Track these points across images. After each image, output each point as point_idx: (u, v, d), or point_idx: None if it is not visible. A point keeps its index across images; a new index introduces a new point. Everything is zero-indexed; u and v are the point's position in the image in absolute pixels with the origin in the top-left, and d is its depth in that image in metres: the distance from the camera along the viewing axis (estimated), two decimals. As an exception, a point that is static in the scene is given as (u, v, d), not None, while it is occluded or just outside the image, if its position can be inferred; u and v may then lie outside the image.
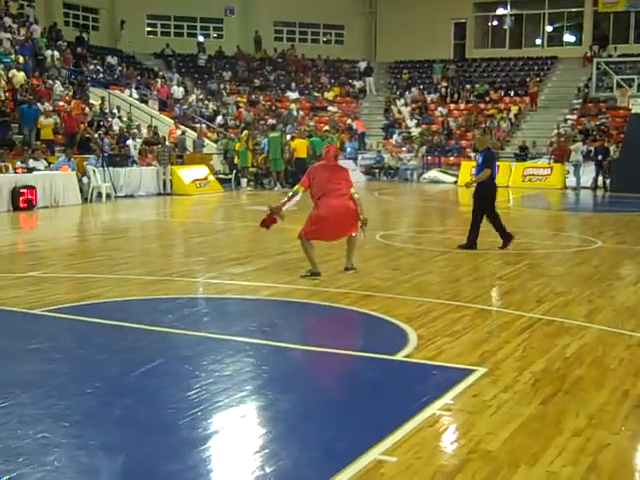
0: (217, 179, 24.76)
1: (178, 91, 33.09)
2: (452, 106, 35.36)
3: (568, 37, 39.40)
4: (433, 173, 29.56)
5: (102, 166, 20.72)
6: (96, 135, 23.55)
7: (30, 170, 18.50)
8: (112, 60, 33.41)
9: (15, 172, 18.13)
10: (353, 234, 9.57)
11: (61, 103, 25.09)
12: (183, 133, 27.51)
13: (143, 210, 19.53)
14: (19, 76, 24.64)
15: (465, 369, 5.74)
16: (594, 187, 25.88)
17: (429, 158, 31.00)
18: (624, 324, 7.25)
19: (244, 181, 25.48)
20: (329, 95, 37.17)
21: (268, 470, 4.00)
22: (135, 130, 25.45)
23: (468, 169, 28.05)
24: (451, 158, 31.17)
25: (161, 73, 35.23)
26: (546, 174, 26.99)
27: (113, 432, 4.53)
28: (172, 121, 28.78)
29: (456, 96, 35.96)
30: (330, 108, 36.00)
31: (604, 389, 5.34)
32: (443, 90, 36.26)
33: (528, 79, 35.49)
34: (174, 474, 3.98)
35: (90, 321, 7.24)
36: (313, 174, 9.54)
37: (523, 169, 27.64)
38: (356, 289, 8.72)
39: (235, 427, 4.71)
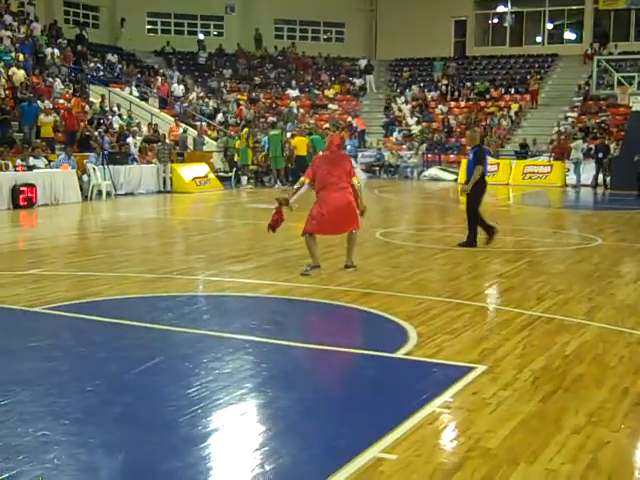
0: (217, 177, 24.74)
1: (178, 89, 33.08)
2: (452, 104, 35.34)
3: (569, 35, 39.36)
4: (433, 171, 29.56)
5: (102, 164, 20.71)
6: (96, 133, 23.54)
7: (30, 168, 18.50)
8: (112, 58, 33.38)
9: (15, 170, 18.12)
10: (353, 230, 9.58)
11: (61, 101, 25.07)
12: (185, 131, 27.50)
13: (143, 208, 19.53)
14: (19, 74, 24.63)
15: (465, 367, 5.74)
16: (594, 185, 25.87)
17: (429, 156, 30.99)
18: (624, 322, 7.25)
19: (244, 179, 25.47)
20: (329, 93, 37.16)
21: (268, 468, 4.01)
22: (135, 128, 25.43)
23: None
24: (451, 156, 31.15)
25: (161, 71, 35.20)
26: (546, 172, 26.98)
27: (113, 430, 4.53)
28: (172, 119, 28.77)
29: (456, 94, 35.94)
30: (330, 106, 36.00)
31: (604, 387, 5.35)
32: (443, 88, 36.24)
33: (528, 77, 35.47)
34: (174, 472, 3.98)
35: (90, 319, 7.25)
36: (316, 165, 9.61)
37: (523, 167, 27.64)
38: (356, 287, 8.72)
39: (235, 425, 4.72)
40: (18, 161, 18.56)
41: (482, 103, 34.61)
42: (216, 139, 29.22)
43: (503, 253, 11.59)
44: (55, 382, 5.42)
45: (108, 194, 20.54)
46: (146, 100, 30.48)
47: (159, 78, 33.56)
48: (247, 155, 25.22)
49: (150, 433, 4.51)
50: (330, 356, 6.33)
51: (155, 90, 32.11)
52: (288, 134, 27.22)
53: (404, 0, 38.09)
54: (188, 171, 23.40)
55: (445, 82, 36.48)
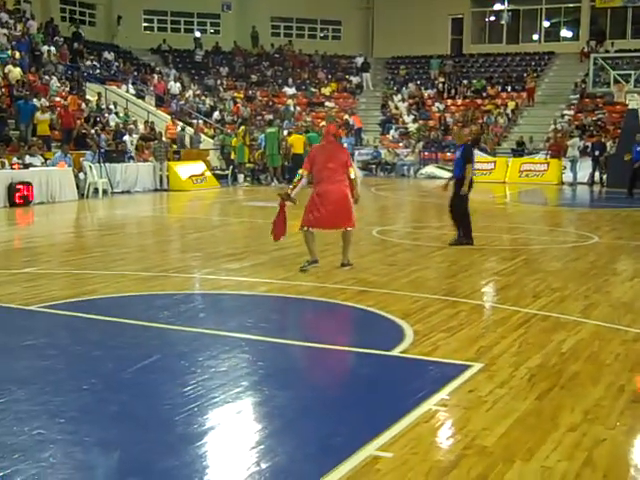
0: (214, 175, 24.72)
1: (175, 87, 33.02)
2: (449, 102, 35.36)
3: (565, 32, 39.39)
4: (430, 169, 29.55)
5: (99, 162, 20.70)
6: (93, 131, 23.49)
7: (26, 166, 18.47)
8: (109, 56, 33.32)
9: (11, 168, 18.09)
10: (349, 228, 9.58)
11: (58, 99, 25.02)
12: (183, 129, 27.48)
13: (139, 206, 19.52)
14: (15, 72, 24.59)
15: (461, 365, 5.74)
16: (591, 183, 25.87)
17: (426, 154, 30.99)
18: (620, 319, 7.25)
19: (241, 177, 25.46)
20: (326, 91, 37.13)
21: (264, 466, 4.01)
22: (132, 126, 25.39)
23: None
24: (448, 154, 31.08)
25: (158, 69, 35.15)
26: (543, 170, 27.01)
27: (109, 428, 4.52)
28: (169, 117, 28.74)
29: (453, 92, 35.95)
30: (327, 104, 35.98)
31: (600, 384, 5.35)
32: (440, 86, 36.25)
33: (525, 74, 35.49)
34: (170, 470, 3.98)
35: (86, 317, 7.25)
36: (313, 156, 9.62)
37: (520, 164, 27.67)
38: (352, 285, 8.72)
39: (231, 423, 4.71)
40: (14, 159, 18.52)
41: (479, 101, 34.62)
42: (213, 137, 29.19)
43: (499, 251, 11.60)
44: (51, 380, 5.41)
45: (104, 192, 20.51)
46: (143, 98, 30.45)
47: (155, 76, 33.51)
48: (244, 153, 25.21)
49: (146, 431, 4.51)
50: (326, 354, 6.33)
51: (152, 88, 32.06)
52: (285, 132, 27.20)
53: (401, -2, 38.13)
54: (185, 169, 23.38)
55: (442, 80, 36.49)
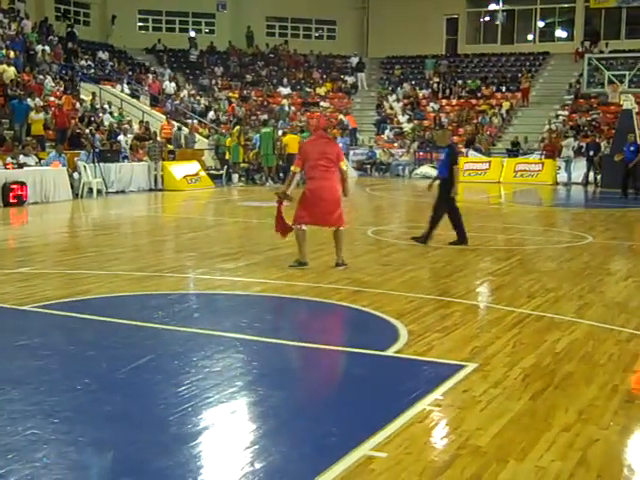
0: (208, 175, 24.70)
1: (170, 86, 33.00)
2: (444, 102, 35.39)
3: (560, 33, 39.47)
4: (425, 169, 29.55)
5: (93, 162, 20.65)
6: (87, 131, 23.46)
7: (20, 166, 18.42)
8: (103, 55, 33.28)
9: (5, 168, 18.03)
10: (340, 227, 9.60)
11: (52, 98, 24.97)
12: (179, 129, 27.46)
13: (134, 206, 19.50)
14: (10, 71, 24.53)
15: (455, 365, 5.75)
16: (585, 183, 25.93)
17: (421, 154, 31.00)
18: (614, 320, 7.27)
19: (235, 177, 25.44)
20: (321, 91, 37.14)
21: (258, 466, 4.00)
22: (126, 126, 25.37)
23: (460, 165, 28.09)
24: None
25: (152, 68, 35.12)
26: (537, 170, 27.05)
27: (103, 428, 4.52)
28: (164, 117, 28.70)
29: (448, 92, 35.99)
30: (322, 104, 35.98)
31: (593, 384, 5.36)
32: (435, 86, 36.28)
33: (520, 75, 35.54)
34: (164, 470, 3.97)
35: (80, 317, 7.23)
36: (304, 151, 9.64)
37: (515, 165, 27.70)
38: (347, 285, 8.72)
39: (225, 423, 4.71)
40: (8, 159, 18.47)
41: (473, 101, 34.67)
42: (207, 137, 29.15)
43: (494, 251, 11.62)
44: (44, 380, 5.40)
45: (99, 192, 20.47)
46: (137, 98, 30.41)
47: (150, 76, 33.48)
48: (238, 153, 25.20)
49: (140, 431, 4.50)
50: (321, 354, 6.33)
51: (146, 88, 32.02)
52: (279, 132, 27.19)
53: (396, -2, 38.17)
54: (179, 169, 23.35)
55: (437, 80, 36.51)
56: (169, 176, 22.86)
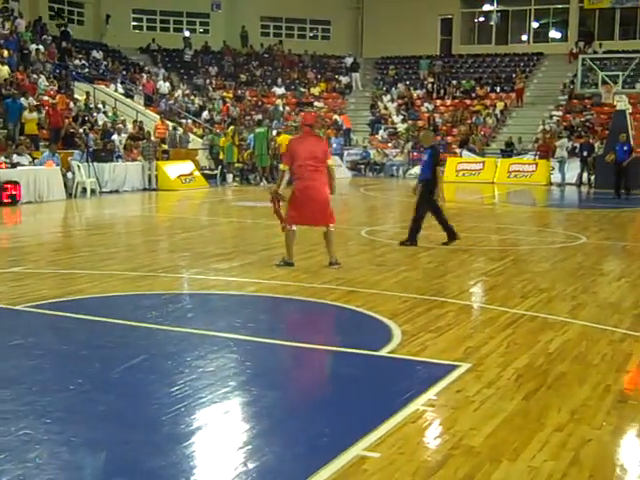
0: (203, 175, 24.68)
1: (164, 86, 32.94)
2: (438, 102, 35.42)
3: (554, 33, 39.55)
4: (419, 169, 29.55)
5: (87, 161, 20.62)
6: (81, 130, 23.42)
7: (14, 165, 18.39)
8: (97, 54, 33.22)
9: (-1, 167, 18.02)
10: (330, 227, 9.60)
11: (46, 98, 24.92)
12: (175, 128, 27.42)
13: (128, 205, 19.47)
14: (3, 70, 24.47)
15: (449, 365, 5.75)
16: (579, 183, 25.98)
17: (415, 154, 30.94)
18: (607, 320, 7.28)
19: (230, 177, 25.43)
20: (315, 91, 37.13)
21: (251, 466, 4.00)
22: (120, 125, 25.33)
23: (454, 165, 28.18)
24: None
25: (147, 68, 35.05)
26: (531, 170, 27.08)
27: (96, 428, 4.51)
28: (158, 116, 28.66)
29: (442, 92, 36.02)
30: (316, 104, 35.96)
31: (586, 384, 5.37)
32: (429, 86, 36.32)
33: (514, 75, 35.61)
34: (157, 470, 3.97)
35: (73, 317, 7.22)
36: (293, 150, 9.61)
37: (509, 165, 27.73)
38: (341, 285, 8.72)
39: (218, 423, 4.71)
40: (2, 158, 18.42)
41: (468, 101, 34.71)
42: (202, 137, 29.13)
43: (487, 251, 11.63)
44: (37, 380, 5.38)
45: (93, 192, 20.45)
46: (131, 97, 30.37)
47: (144, 75, 33.43)
48: (232, 153, 25.19)
49: (133, 431, 4.49)
50: (314, 354, 6.34)
51: (140, 87, 31.97)
52: (274, 132, 27.18)
53: (390, -2, 38.19)
54: (173, 169, 23.33)
55: (431, 80, 36.56)
56: (163, 176, 22.84)
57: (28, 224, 15.96)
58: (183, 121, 29.87)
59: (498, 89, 35.30)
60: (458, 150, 29.98)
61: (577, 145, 27.36)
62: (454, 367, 5.69)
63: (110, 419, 4.66)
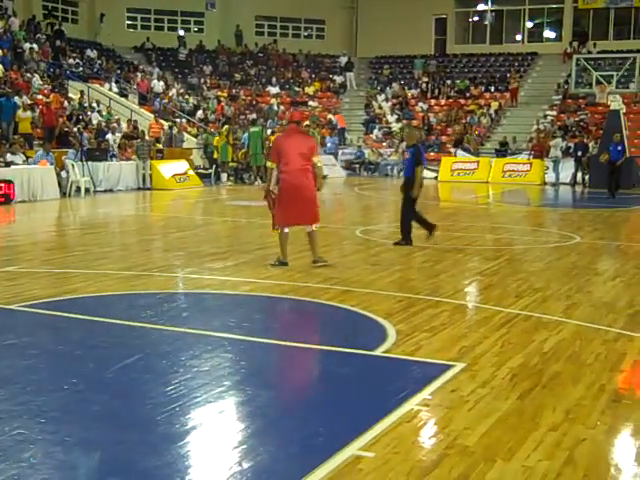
0: (197, 174, 24.67)
1: (158, 85, 32.89)
2: (433, 101, 35.45)
3: (548, 33, 39.61)
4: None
5: (81, 160, 20.59)
6: (75, 129, 23.38)
7: (8, 164, 18.35)
8: (91, 53, 33.16)
9: (-7, 166, 17.98)
10: (313, 227, 9.60)
11: (40, 96, 24.88)
12: (171, 127, 27.38)
13: (122, 205, 19.44)
14: (-3, 69, 24.43)
15: (443, 364, 5.76)
16: (573, 183, 26.03)
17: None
18: (601, 319, 7.30)
19: (224, 176, 25.42)
20: (310, 90, 37.12)
21: (246, 466, 4.00)
22: (114, 124, 25.29)
23: (448, 165, 28.20)
24: (431, 154, 31.21)
25: (141, 67, 35.02)
26: (526, 170, 27.11)
27: (90, 428, 4.50)
28: (152, 115, 28.62)
29: (437, 91, 36.04)
30: (311, 103, 35.96)
31: (581, 384, 5.38)
32: (424, 85, 36.34)
33: (508, 75, 35.65)
34: (152, 470, 3.96)
35: (68, 317, 7.20)
36: (279, 147, 9.60)
37: (503, 165, 27.76)
38: (336, 284, 8.72)
39: (213, 422, 4.70)
40: (-5, 157, 18.41)
41: (462, 101, 34.73)
42: (196, 136, 29.10)
43: (482, 251, 11.64)
44: (32, 380, 5.37)
45: (87, 191, 20.42)
46: (126, 96, 30.32)
47: (139, 74, 33.39)
48: (227, 152, 25.19)
49: (128, 431, 4.48)
50: (309, 354, 6.34)
51: (135, 86, 31.94)
52: (268, 131, 27.17)
53: (385, -2, 38.21)
54: (168, 168, 23.31)
55: (425, 80, 36.58)
56: (157, 175, 22.82)
57: (22, 223, 15.92)
58: (177, 120, 29.82)
59: (492, 89, 35.33)
60: (452, 150, 30.01)
61: (571, 145, 27.41)
62: (449, 367, 5.69)
63: (104, 419, 4.65)
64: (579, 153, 25.91)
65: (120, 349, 6.18)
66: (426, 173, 28.66)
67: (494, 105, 33.84)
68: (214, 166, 25.62)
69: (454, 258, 10.88)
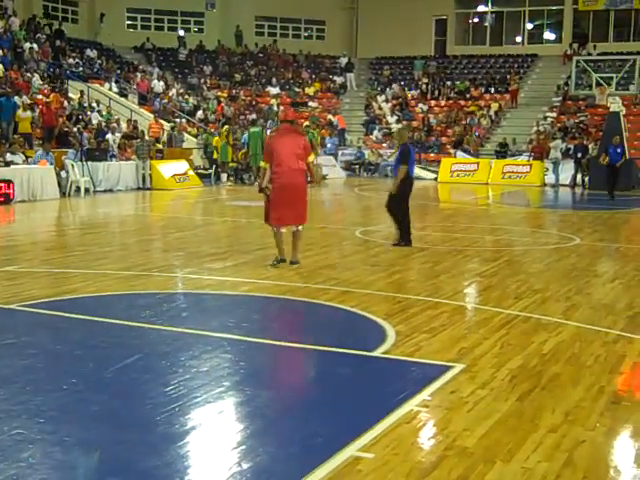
0: (197, 174, 24.67)
1: (158, 85, 32.89)
2: (433, 103, 35.44)
3: (548, 35, 39.59)
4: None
5: (81, 160, 20.59)
6: (75, 129, 23.37)
7: (8, 164, 18.35)
8: (91, 53, 33.15)
9: (-8, 166, 17.97)
10: (300, 227, 9.61)
11: (40, 96, 24.87)
12: (172, 128, 27.37)
13: (122, 205, 19.43)
14: (-3, 69, 24.43)
15: (443, 365, 5.76)
16: (573, 185, 26.03)
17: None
18: (601, 321, 7.30)
19: (224, 176, 25.42)
20: (310, 90, 37.12)
21: (245, 466, 4.00)
22: (114, 124, 25.28)
23: (448, 166, 28.21)
24: (431, 154, 31.27)
25: (141, 67, 35.01)
26: (525, 171, 27.10)
27: (89, 428, 4.50)
28: (152, 115, 28.62)
29: (437, 93, 36.04)
30: (311, 104, 35.96)
31: (580, 386, 5.38)
32: (424, 86, 36.34)
33: (508, 76, 35.66)
34: (151, 470, 3.96)
35: (67, 316, 7.20)
36: (271, 147, 9.59)
37: (503, 166, 27.75)
38: (335, 285, 8.72)
39: (213, 423, 4.70)
40: (-5, 157, 18.41)
41: (462, 102, 34.73)
42: (196, 136, 29.10)
43: (482, 252, 11.64)
44: (31, 380, 5.37)
45: (87, 191, 20.41)
46: (125, 96, 30.31)
47: (139, 74, 33.38)
48: (227, 152, 25.19)
49: (127, 431, 4.48)
50: (308, 354, 6.33)
51: (135, 86, 31.93)
52: (268, 131, 27.14)
53: (385, -2, 38.22)
54: (167, 168, 23.31)
55: (425, 81, 36.58)
56: (157, 175, 22.82)
57: (22, 223, 15.92)
58: (177, 120, 29.81)
59: (492, 90, 35.33)
60: (452, 151, 30.02)
61: (571, 146, 27.41)
62: (448, 368, 5.69)
63: (104, 419, 4.65)
64: (579, 155, 25.91)
65: (119, 349, 6.18)
66: (426, 174, 28.91)
67: (494, 106, 33.84)
68: (214, 166, 25.61)
69: (454, 259, 10.88)
